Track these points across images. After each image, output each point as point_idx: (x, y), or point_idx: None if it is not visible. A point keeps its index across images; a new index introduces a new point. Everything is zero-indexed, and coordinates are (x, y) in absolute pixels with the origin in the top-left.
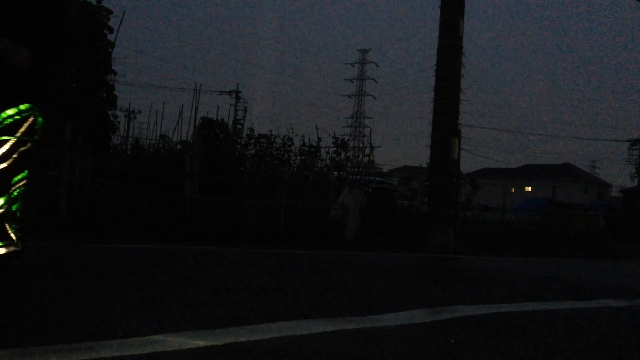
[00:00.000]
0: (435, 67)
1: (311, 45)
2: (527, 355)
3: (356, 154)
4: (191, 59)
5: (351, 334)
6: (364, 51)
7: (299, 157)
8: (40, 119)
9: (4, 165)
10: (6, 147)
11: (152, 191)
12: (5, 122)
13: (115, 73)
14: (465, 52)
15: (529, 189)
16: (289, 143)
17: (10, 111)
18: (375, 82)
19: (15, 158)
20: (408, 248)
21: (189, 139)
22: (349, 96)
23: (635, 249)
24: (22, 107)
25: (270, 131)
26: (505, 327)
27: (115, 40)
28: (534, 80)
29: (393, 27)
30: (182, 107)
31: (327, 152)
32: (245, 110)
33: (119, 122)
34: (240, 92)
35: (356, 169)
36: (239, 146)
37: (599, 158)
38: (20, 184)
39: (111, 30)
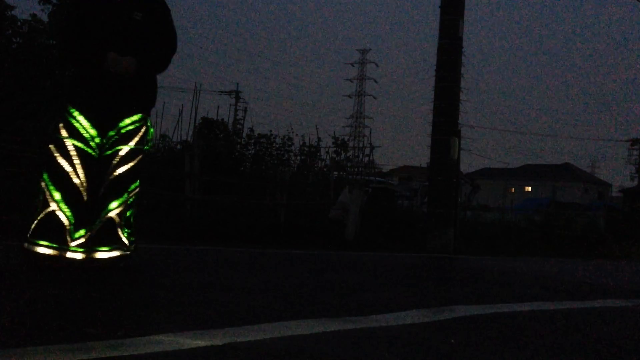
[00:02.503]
0: (435, 67)
1: (311, 45)
2: (527, 355)
3: (356, 154)
4: (191, 59)
5: (351, 334)
6: (364, 51)
7: (299, 157)
8: (151, 130)
9: (121, 170)
10: (123, 153)
11: (152, 191)
12: (122, 131)
13: None
14: (465, 52)
15: (529, 189)
16: (289, 143)
17: (128, 120)
18: (375, 82)
19: (131, 166)
20: (408, 248)
21: (189, 139)
22: (349, 96)
23: (635, 249)
24: (135, 117)
25: (270, 131)
26: (505, 327)
27: None
28: (534, 80)
29: (393, 27)
30: (182, 107)
31: (327, 152)
32: (245, 110)
33: None
34: (240, 92)
35: (356, 169)
36: (238, 146)
37: (599, 158)
38: (135, 191)
39: None
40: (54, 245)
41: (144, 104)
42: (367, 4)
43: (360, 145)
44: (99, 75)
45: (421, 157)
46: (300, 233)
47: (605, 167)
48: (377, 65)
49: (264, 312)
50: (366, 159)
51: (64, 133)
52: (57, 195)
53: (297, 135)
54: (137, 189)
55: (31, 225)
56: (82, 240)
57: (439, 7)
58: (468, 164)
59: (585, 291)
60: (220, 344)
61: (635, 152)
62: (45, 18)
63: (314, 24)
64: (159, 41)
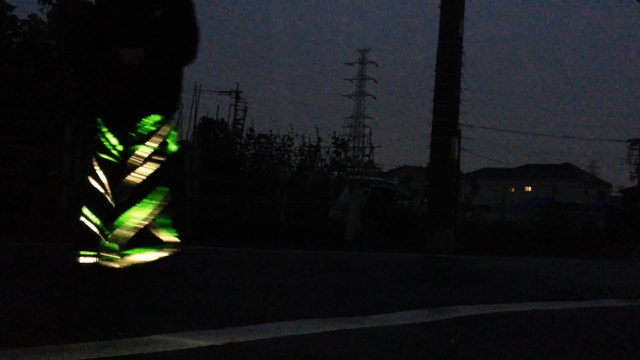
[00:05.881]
0: (435, 67)
1: (311, 45)
2: (527, 355)
3: (356, 154)
4: None
5: (351, 334)
6: (364, 51)
7: (299, 157)
8: (173, 132)
9: (142, 171)
10: (141, 153)
11: None
12: (141, 131)
13: None
14: (465, 52)
15: (529, 189)
16: (289, 143)
17: (147, 120)
18: (376, 82)
19: (152, 166)
20: (408, 248)
21: (189, 139)
22: (349, 96)
23: (635, 249)
24: (156, 117)
25: (270, 131)
26: (505, 327)
27: None
28: (534, 80)
29: (393, 27)
30: (182, 107)
31: (327, 152)
32: (245, 110)
33: None
34: (241, 92)
35: (356, 169)
36: (238, 146)
37: (599, 158)
38: (162, 192)
39: None
40: (91, 253)
41: (165, 105)
42: (367, 4)
43: (360, 145)
44: (120, 76)
45: (421, 157)
46: (300, 233)
47: (605, 167)
48: (377, 65)
49: (264, 312)
50: (366, 159)
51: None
52: (86, 209)
53: (297, 135)
54: (165, 190)
55: (75, 236)
56: (114, 246)
57: (439, 7)
58: (468, 164)
59: (585, 291)
60: (220, 344)
61: (635, 152)
62: (44, 18)
63: (314, 23)
64: (179, 39)
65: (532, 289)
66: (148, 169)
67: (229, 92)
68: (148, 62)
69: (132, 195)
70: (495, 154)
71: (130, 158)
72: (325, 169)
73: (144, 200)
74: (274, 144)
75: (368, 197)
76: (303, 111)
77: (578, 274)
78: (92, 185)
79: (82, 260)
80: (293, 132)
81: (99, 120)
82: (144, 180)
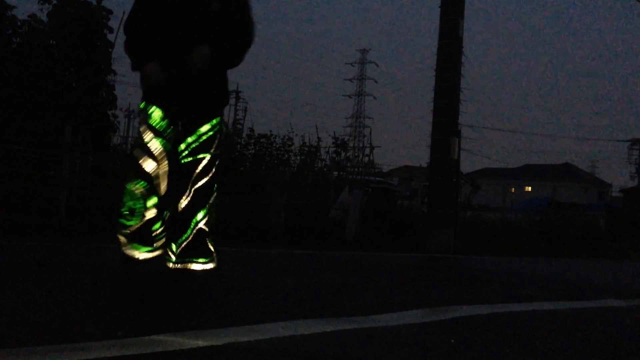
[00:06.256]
0: (435, 67)
1: (311, 44)
2: (527, 355)
3: (356, 154)
4: None
5: (351, 334)
6: (364, 51)
7: (299, 157)
8: (224, 129)
9: (205, 180)
10: (205, 162)
11: None
12: (202, 139)
13: (115, 73)
14: (465, 52)
15: (529, 189)
16: (289, 143)
17: (207, 126)
18: (375, 82)
19: (212, 173)
20: (408, 248)
21: None
22: (349, 96)
23: (635, 249)
24: (214, 121)
25: (270, 131)
26: (505, 327)
27: (115, 40)
28: (534, 80)
29: (393, 27)
30: None
31: (327, 152)
32: (245, 110)
33: (118, 122)
34: (241, 92)
35: (356, 169)
36: (238, 146)
37: (599, 158)
38: (214, 196)
39: (111, 30)
40: (149, 248)
41: (220, 104)
42: (367, 4)
43: (360, 145)
44: (174, 75)
45: (421, 157)
46: (300, 233)
47: (605, 167)
48: (377, 65)
49: (263, 312)
50: (366, 159)
51: (146, 137)
52: (148, 202)
53: (297, 135)
54: (215, 193)
55: (126, 230)
56: (177, 250)
57: (439, 7)
58: (468, 164)
59: (585, 291)
60: (220, 344)
61: (635, 152)
62: (44, 18)
63: (314, 23)
64: (235, 34)
65: (532, 289)
66: (209, 177)
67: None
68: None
69: (194, 202)
70: (495, 154)
71: (193, 164)
72: (325, 169)
73: (205, 207)
74: (274, 144)
75: (368, 197)
76: (303, 111)
77: (578, 274)
78: (144, 169)
79: (138, 255)
80: (293, 132)
81: (145, 101)
82: (205, 187)
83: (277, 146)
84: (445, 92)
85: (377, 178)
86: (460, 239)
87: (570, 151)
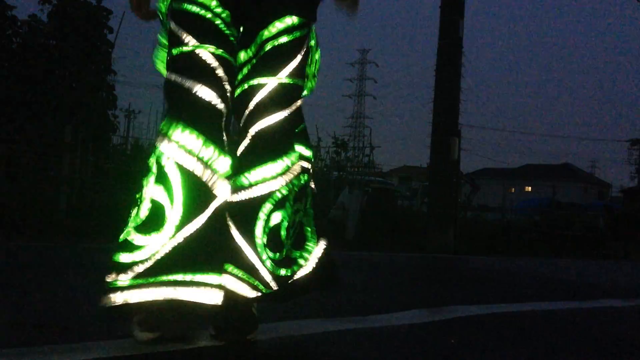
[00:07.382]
0: (435, 67)
1: None
2: (527, 355)
3: (356, 154)
4: None
5: (351, 334)
6: (364, 51)
7: None
8: (318, 53)
9: (265, 125)
10: (269, 91)
11: None
12: (267, 48)
13: (115, 73)
14: (465, 52)
15: (529, 189)
16: None
17: (278, 25)
18: (375, 82)
19: (286, 117)
20: (408, 248)
21: None
22: (349, 96)
23: (635, 249)
24: (294, 20)
25: None
26: (505, 327)
27: (115, 40)
28: (534, 80)
29: (393, 27)
30: None
31: (327, 152)
32: None
33: (119, 122)
34: None
35: (356, 169)
36: None
37: (599, 158)
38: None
39: (111, 30)
40: None
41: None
42: (367, 4)
43: (360, 145)
44: None
45: (421, 157)
46: None
47: (605, 167)
48: (377, 65)
49: (263, 312)
50: (366, 159)
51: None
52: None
53: None
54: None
55: None
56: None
57: (439, 7)
58: (468, 164)
59: (585, 291)
60: (220, 344)
61: (635, 152)
62: (44, 18)
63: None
64: None
65: (532, 289)
66: (276, 120)
67: None
68: None
69: (255, 147)
70: (495, 154)
71: (248, 94)
72: (325, 169)
73: (276, 157)
74: None
75: (368, 197)
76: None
77: (578, 273)
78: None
79: None
80: None
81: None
82: (267, 139)
83: None
84: (445, 92)
85: (377, 178)
86: (460, 239)
87: (570, 151)
